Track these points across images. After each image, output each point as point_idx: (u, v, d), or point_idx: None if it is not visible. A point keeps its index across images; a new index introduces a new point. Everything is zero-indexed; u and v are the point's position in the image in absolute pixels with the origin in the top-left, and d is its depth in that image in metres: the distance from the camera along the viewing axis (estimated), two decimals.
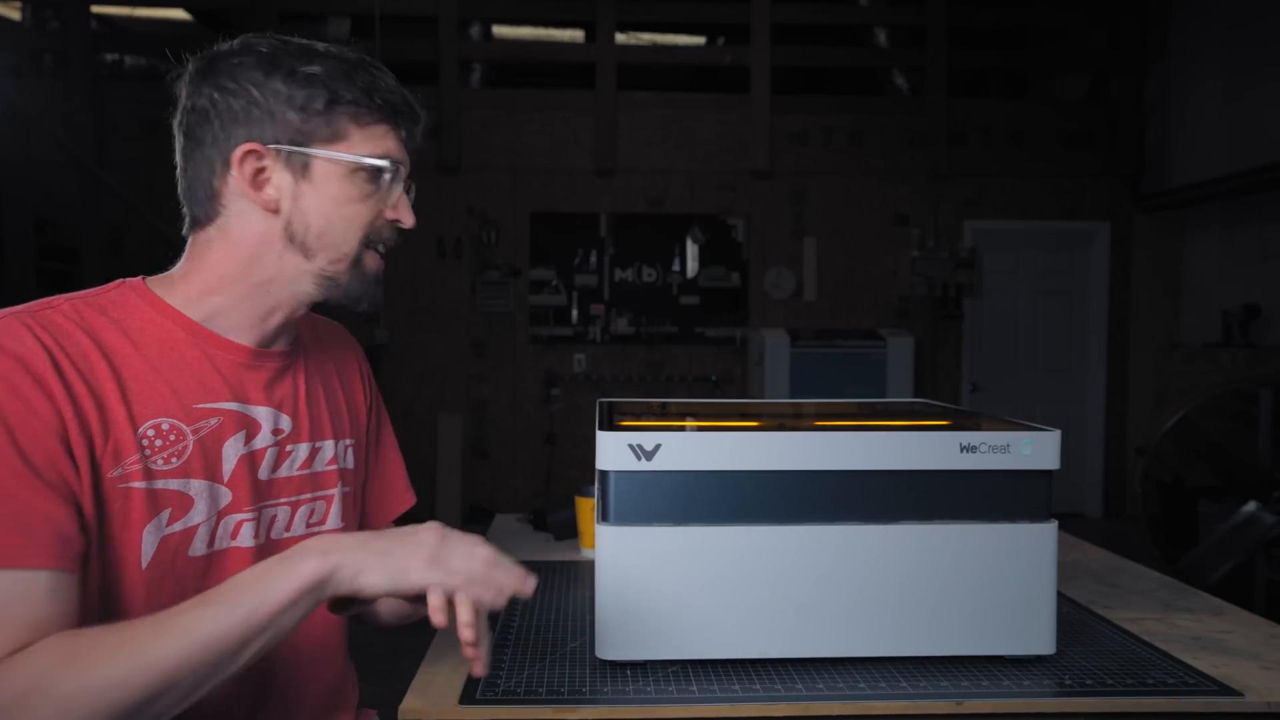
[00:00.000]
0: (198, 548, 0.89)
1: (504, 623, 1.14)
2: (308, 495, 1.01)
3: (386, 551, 0.80)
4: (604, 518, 0.99)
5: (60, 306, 0.87)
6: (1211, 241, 5.56)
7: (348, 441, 1.07)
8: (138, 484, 0.85)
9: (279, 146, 0.91)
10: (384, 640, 1.37)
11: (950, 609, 0.99)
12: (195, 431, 0.89)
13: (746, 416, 1.40)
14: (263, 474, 0.96)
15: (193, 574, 0.89)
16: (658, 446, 0.96)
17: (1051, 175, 5.79)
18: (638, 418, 1.20)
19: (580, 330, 5.68)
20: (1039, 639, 0.99)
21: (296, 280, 0.94)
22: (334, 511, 1.04)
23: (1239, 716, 0.92)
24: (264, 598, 0.76)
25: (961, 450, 0.98)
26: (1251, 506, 3.29)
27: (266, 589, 0.77)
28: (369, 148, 0.94)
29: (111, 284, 0.93)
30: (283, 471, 0.98)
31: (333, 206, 0.93)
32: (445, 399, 5.66)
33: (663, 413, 1.42)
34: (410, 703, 0.92)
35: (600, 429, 0.98)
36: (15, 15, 5.95)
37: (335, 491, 1.04)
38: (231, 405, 0.93)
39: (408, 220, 0.98)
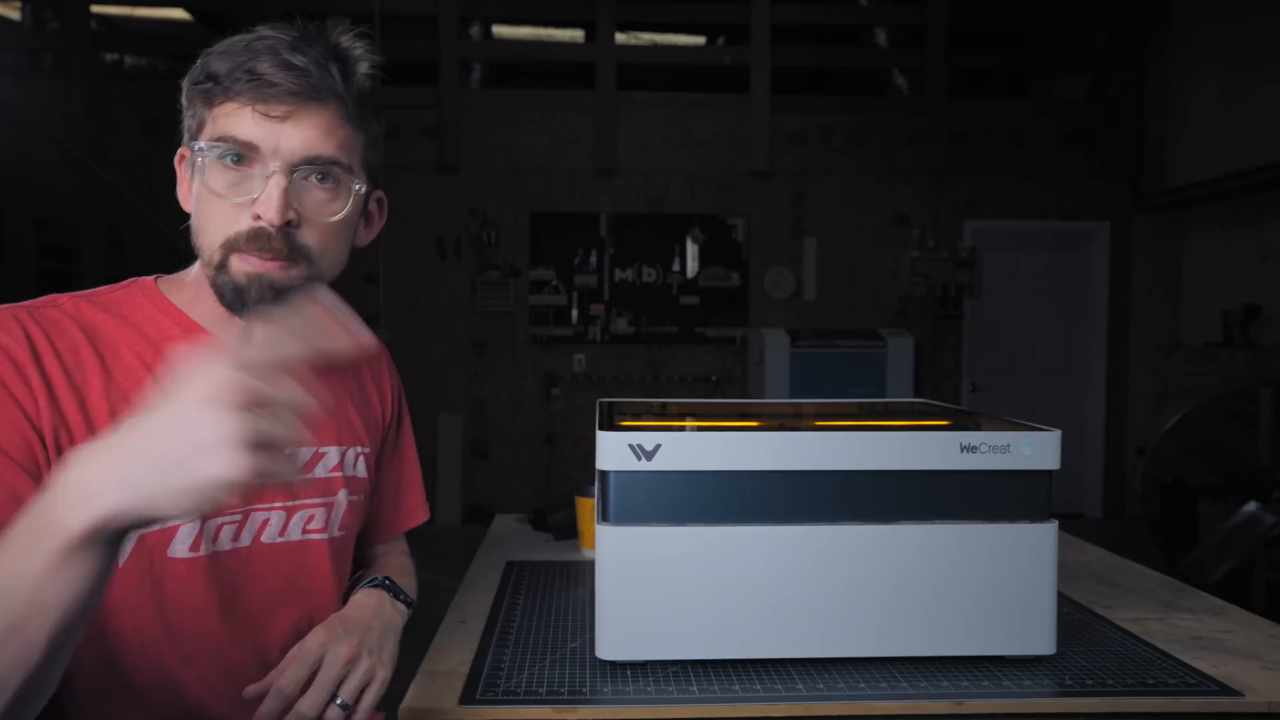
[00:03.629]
0: (178, 549, 0.87)
1: (504, 622, 1.14)
2: (305, 500, 0.98)
3: (171, 466, 0.55)
4: (604, 518, 0.99)
5: (63, 304, 0.88)
6: (1211, 241, 5.56)
7: (360, 450, 1.05)
8: None
9: (185, 145, 0.89)
10: None
11: (950, 609, 0.98)
12: None
13: (746, 416, 1.40)
14: None
15: (173, 576, 0.87)
16: (658, 446, 0.96)
17: (1051, 175, 5.79)
18: (638, 418, 1.20)
19: (580, 330, 5.68)
20: (1039, 639, 0.99)
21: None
22: (334, 519, 1.01)
23: (1239, 716, 0.92)
24: (15, 579, 0.56)
25: (961, 450, 0.98)
26: (1251, 506, 3.28)
27: (19, 565, 0.56)
28: (215, 129, 0.85)
29: (124, 282, 0.94)
30: None
31: (198, 203, 0.88)
32: (445, 399, 5.66)
33: (663, 413, 1.42)
34: (410, 703, 0.91)
35: (600, 429, 0.98)
36: (15, 15, 5.95)
37: (338, 499, 1.01)
38: None
39: (264, 212, 0.83)
